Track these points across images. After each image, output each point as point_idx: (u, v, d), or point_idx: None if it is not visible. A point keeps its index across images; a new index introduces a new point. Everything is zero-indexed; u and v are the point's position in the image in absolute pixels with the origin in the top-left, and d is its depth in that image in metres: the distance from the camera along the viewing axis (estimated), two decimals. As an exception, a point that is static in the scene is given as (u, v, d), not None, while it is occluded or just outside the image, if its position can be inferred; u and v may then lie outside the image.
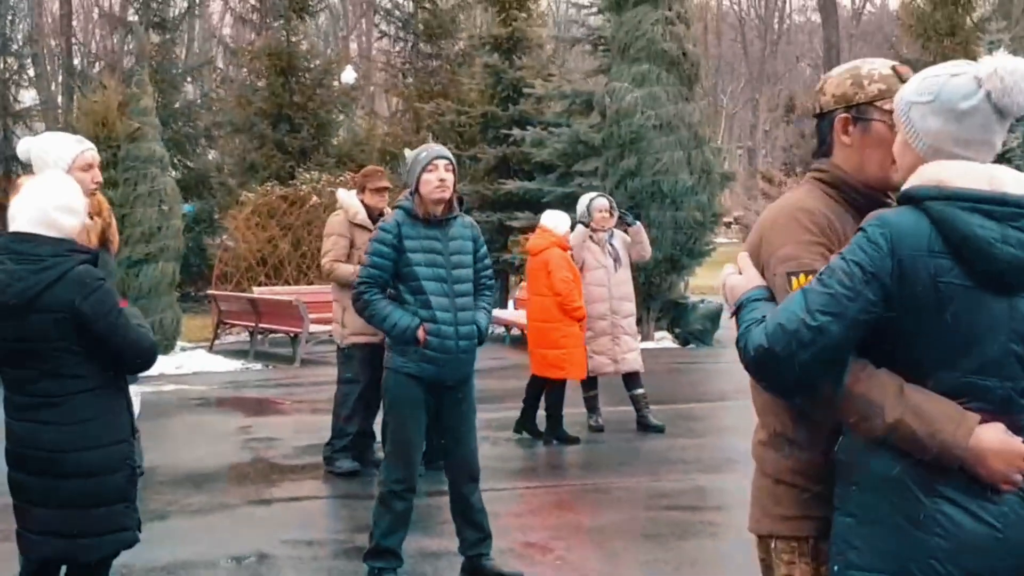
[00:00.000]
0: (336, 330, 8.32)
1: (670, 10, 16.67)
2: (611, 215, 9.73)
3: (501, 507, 6.70)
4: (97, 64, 31.90)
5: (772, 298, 2.51)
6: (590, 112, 19.21)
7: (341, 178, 20.18)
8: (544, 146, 19.03)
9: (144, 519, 4.51)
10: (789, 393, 2.47)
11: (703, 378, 13.75)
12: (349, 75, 29.09)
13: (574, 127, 18.65)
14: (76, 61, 37.38)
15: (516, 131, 19.56)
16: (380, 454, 8.37)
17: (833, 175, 2.66)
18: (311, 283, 19.26)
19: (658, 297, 17.06)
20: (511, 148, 20.68)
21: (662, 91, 16.52)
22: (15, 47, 30.04)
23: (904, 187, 2.41)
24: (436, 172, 5.42)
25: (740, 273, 2.62)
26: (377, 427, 8.52)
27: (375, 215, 8.16)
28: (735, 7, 68.18)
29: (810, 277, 2.43)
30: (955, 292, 2.33)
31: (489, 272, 5.78)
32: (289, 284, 19.22)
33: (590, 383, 9.81)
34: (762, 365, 2.39)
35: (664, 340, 17.19)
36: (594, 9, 19.77)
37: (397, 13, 31.14)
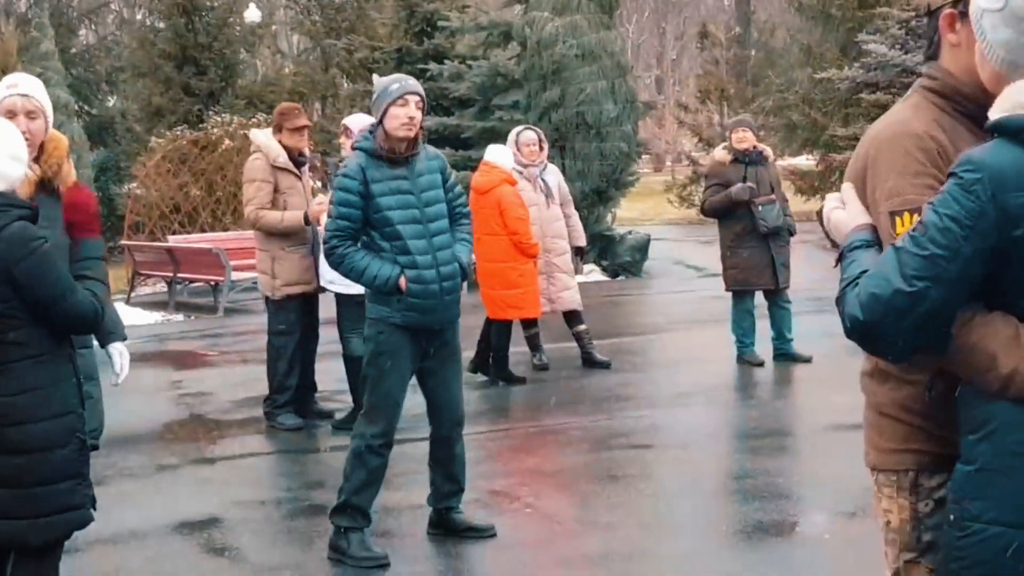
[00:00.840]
0: (265, 281, 7.93)
1: (589, -67, 16.31)
2: (540, 148, 9.44)
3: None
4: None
5: (878, 240, 2.27)
6: (508, 44, 18.82)
7: (253, 120, 19.62)
8: (462, 80, 18.60)
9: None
10: (897, 359, 2.25)
11: (637, 310, 13.63)
12: (253, 13, 28.23)
13: (492, 60, 18.25)
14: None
15: (432, 65, 19.09)
16: (322, 405, 8.10)
17: (943, 83, 2.36)
18: (227, 229, 18.74)
19: (586, 230, 16.82)
20: (428, 83, 20.13)
21: (583, 19, 16.20)
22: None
23: (993, 115, 2.14)
24: (406, 108, 5.06)
25: (844, 207, 2.36)
26: (323, 378, 8.22)
27: (295, 156, 7.78)
28: (639, -67, 67.74)
29: (915, 216, 2.17)
30: None
31: (463, 200, 5.45)
32: (205, 231, 18.66)
33: (530, 322, 9.58)
34: (862, 337, 2.17)
35: (593, 273, 17.01)
36: (508, -64, 19.28)
37: (301, -52, 30.28)
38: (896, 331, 2.12)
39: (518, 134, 9.44)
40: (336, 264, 5.20)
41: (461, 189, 5.49)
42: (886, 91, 19.52)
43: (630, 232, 17.26)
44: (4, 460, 3.71)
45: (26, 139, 4.47)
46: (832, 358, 9.26)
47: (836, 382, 8.43)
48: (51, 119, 4.47)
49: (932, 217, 2.10)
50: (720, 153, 9.43)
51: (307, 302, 7.78)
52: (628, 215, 22.41)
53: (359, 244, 5.17)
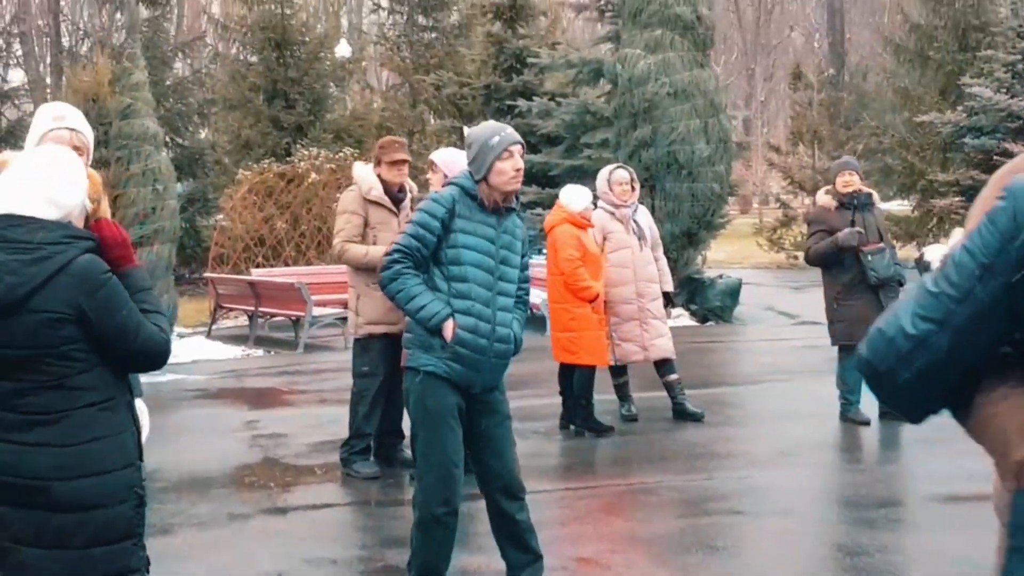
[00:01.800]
0: (350, 318, 7.61)
1: (682, -29, 15.92)
2: (632, 188, 9.01)
3: (541, 513, 5.92)
4: (86, 41, 31.01)
5: None
6: (597, 81, 18.50)
7: (340, 154, 19.49)
8: (551, 117, 18.31)
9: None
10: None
11: (729, 358, 13.08)
12: (344, 49, 28.30)
13: (582, 97, 17.92)
14: (65, 40, 36.47)
15: (521, 102, 18.82)
16: (408, 452, 7.70)
17: None
18: (310, 263, 18.61)
19: (675, 273, 16.36)
20: (515, 120, 19.89)
21: (676, 57, 15.77)
22: (1, 26, 29.17)
23: None
24: (512, 160, 4.75)
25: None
26: (406, 425, 7.83)
27: (393, 191, 7.44)
28: (728, -25, 67.22)
29: None
30: None
31: (528, 285, 5.10)
32: (288, 265, 18.55)
33: (619, 370, 9.13)
34: (868, 380, 1.87)
35: (682, 318, 16.50)
36: (601, -26, 18.99)
37: (391, -15, 30.31)
38: (897, 379, 1.82)
39: (610, 172, 9.03)
40: (388, 281, 4.80)
41: (529, 274, 5.15)
42: (991, 136, 18.85)
43: (720, 276, 16.73)
44: (56, 518, 3.38)
45: None
46: (940, 419, 8.70)
47: (949, 446, 7.89)
48: (91, 157, 4.21)
49: (956, 251, 1.79)
50: (824, 198, 8.91)
51: (392, 343, 7.37)
52: (715, 258, 21.86)
53: (420, 272, 4.81)
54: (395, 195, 7.45)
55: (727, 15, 66.58)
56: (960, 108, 19.65)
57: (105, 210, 4.40)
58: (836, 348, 8.93)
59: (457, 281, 4.74)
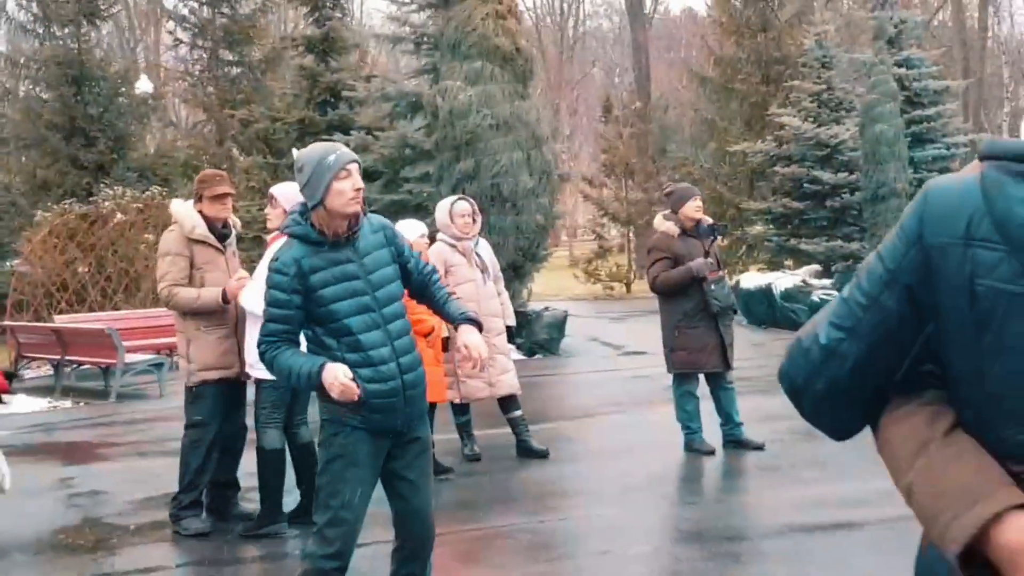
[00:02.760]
0: (182, 365, 7.10)
1: (500, 3, 15.83)
2: (474, 220, 8.77)
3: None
4: None
5: None
6: (415, 115, 18.25)
7: (147, 193, 18.69)
8: (369, 151, 17.95)
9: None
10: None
11: (563, 392, 12.93)
12: (145, 84, 27.30)
13: (400, 130, 17.64)
14: None
15: (337, 136, 18.39)
16: (244, 505, 7.24)
17: None
18: (117, 308, 17.72)
19: (502, 306, 16.21)
20: (331, 155, 19.50)
21: (497, 89, 15.66)
22: None
23: None
24: (351, 179, 4.32)
25: None
26: (244, 476, 7.35)
27: (218, 227, 6.99)
28: (530, 13, 68.21)
29: None
30: (999, 300, 1.55)
31: (428, 266, 4.69)
32: (93, 311, 17.61)
33: (462, 408, 8.86)
34: (789, 396, 1.75)
35: (510, 352, 16.32)
36: (414, 6, 18.75)
37: (193, 19, 29.46)
38: (813, 391, 1.70)
39: (452, 204, 8.76)
40: (269, 368, 4.46)
41: (415, 251, 4.74)
42: (800, 163, 19.38)
43: (546, 308, 16.65)
44: None
45: None
46: (784, 443, 8.71)
47: (795, 473, 7.87)
48: None
49: (872, 254, 1.68)
50: (667, 225, 8.82)
51: (228, 389, 6.92)
52: (545, 290, 21.90)
53: (296, 345, 4.41)
54: (220, 232, 7.01)
55: (528, 50, 67.52)
56: (770, 138, 20.16)
57: None
58: (671, 377, 8.84)
59: (343, 335, 4.32)
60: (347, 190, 4.32)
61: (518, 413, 8.85)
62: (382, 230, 4.53)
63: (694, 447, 8.66)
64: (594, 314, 21.76)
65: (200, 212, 6.99)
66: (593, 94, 69.37)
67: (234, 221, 7.27)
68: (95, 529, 7.38)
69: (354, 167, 4.36)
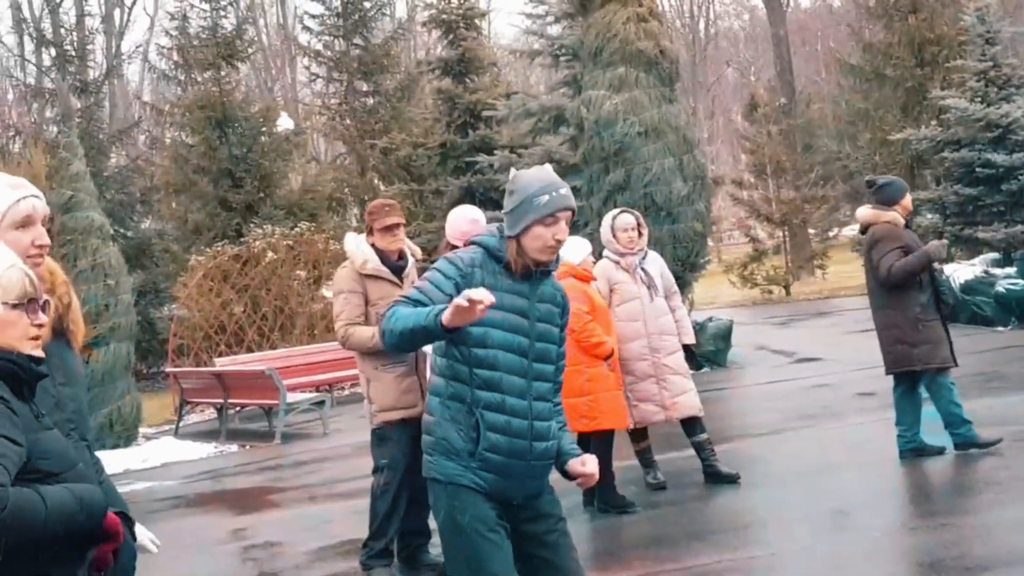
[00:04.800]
0: (365, 407, 6.71)
1: (640, 5, 15.26)
2: (640, 233, 8.20)
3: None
4: (17, 139, 30.03)
5: None
6: (558, 128, 17.79)
7: (295, 229, 18.63)
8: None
9: None
10: None
11: (740, 407, 12.22)
12: (286, 122, 27.50)
13: (544, 145, 17.19)
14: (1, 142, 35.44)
15: (481, 157, 18.06)
16: (434, 553, 6.76)
17: None
18: (274, 347, 17.65)
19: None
20: (475, 176, 19.20)
21: (643, 94, 15.07)
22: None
23: None
24: (555, 227, 3.84)
25: None
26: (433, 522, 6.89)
27: (392, 260, 6.58)
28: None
29: None
30: None
31: (563, 364, 4.12)
32: (252, 351, 17.57)
33: (639, 434, 8.27)
34: None
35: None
36: (550, 18, 18.32)
37: (327, 53, 29.64)
38: None
39: (614, 218, 8.23)
40: (384, 330, 3.86)
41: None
42: (970, 148, 18.29)
43: (711, 319, 15.95)
44: None
45: (41, 256, 3.32)
46: (1013, 450, 7.91)
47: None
48: None
49: None
50: (891, 214, 8.10)
51: (412, 429, 6.47)
52: (708, 298, 21.18)
53: None
54: (394, 264, 6.60)
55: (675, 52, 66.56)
56: (933, 123, 19.11)
57: (76, 318, 3.51)
58: (894, 379, 8.17)
59: (484, 368, 3.81)
60: (547, 238, 3.85)
61: (703, 436, 8.24)
62: (561, 291, 4.10)
63: (924, 451, 8.07)
64: (756, 320, 20.91)
65: (372, 245, 6.61)
66: (729, 95, 68.18)
67: (412, 250, 6.85)
68: (273, 586, 7.05)
69: (565, 216, 3.87)
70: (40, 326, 2.77)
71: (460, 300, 3.54)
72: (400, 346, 3.90)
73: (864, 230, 8.33)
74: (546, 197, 3.85)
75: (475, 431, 3.80)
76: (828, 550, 6.23)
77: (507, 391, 3.82)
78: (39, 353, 2.75)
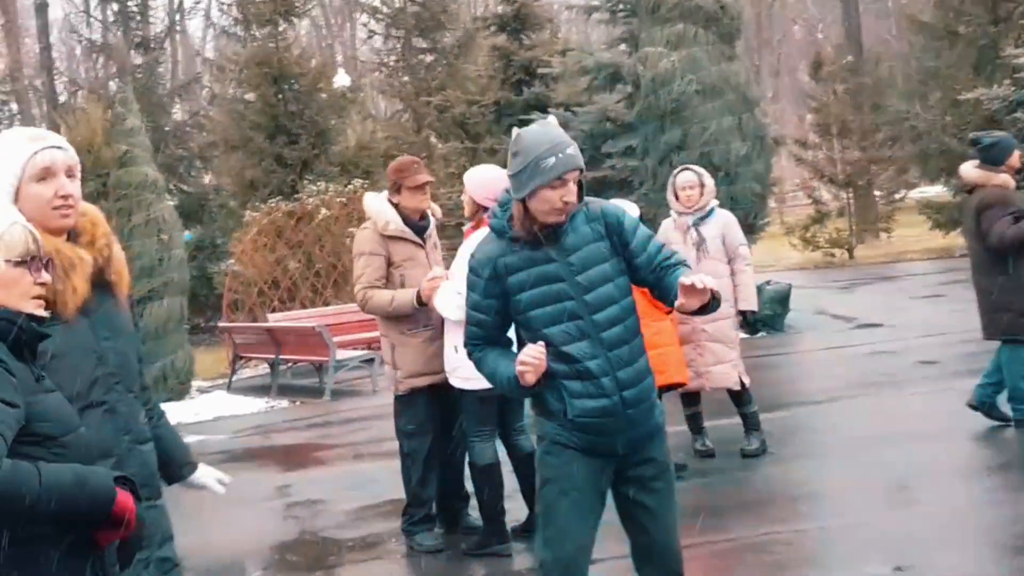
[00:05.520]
0: (388, 372, 6.56)
1: (702, -40, 14.88)
2: (701, 191, 7.92)
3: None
4: (80, 94, 30.20)
5: None
6: (614, 86, 17.48)
7: (349, 186, 18.53)
8: (568, 129, 17.19)
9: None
10: None
11: (795, 373, 11.94)
12: (343, 78, 27.39)
13: (600, 104, 16.89)
14: (62, 97, 35.68)
15: (535, 115, 17.76)
16: (474, 516, 6.63)
17: None
18: (327, 303, 17.64)
19: (720, 281, 15.28)
20: (531, 135, 18.90)
21: (701, 52, 14.73)
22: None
23: None
24: (563, 189, 3.67)
25: None
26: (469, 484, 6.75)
27: (415, 220, 6.39)
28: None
29: None
30: None
31: (665, 252, 3.83)
32: (304, 307, 17.57)
33: (690, 398, 8.06)
34: None
35: (731, 330, 15.38)
36: (610, -28, 17.95)
37: (385, 9, 29.46)
38: None
39: (675, 176, 8.00)
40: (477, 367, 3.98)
41: (651, 234, 3.96)
42: (1046, 108, 17.70)
43: (768, 282, 15.63)
44: None
45: (69, 207, 3.19)
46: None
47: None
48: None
49: None
50: (1001, 177, 7.73)
51: (439, 395, 6.33)
52: (767, 261, 20.77)
53: (501, 344, 3.94)
54: (417, 225, 6.42)
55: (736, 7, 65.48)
56: (1007, 81, 18.48)
57: (120, 269, 3.39)
58: (1003, 344, 7.81)
59: (548, 344, 3.72)
60: (555, 200, 3.68)
61: (746, 409, 7.99)
62: (600, 219, 3.82)
63: (994, 415, 7.87)
64: (817, 284, 20.50)
65: (397, 204, 6.41)
66: (795, 53, 67.07)
67: (433, 210, 6.64)
68: (313, 545, 6.97)
69: (572, 175, 3.68)
70: (43, 284, 2.65)
71: (523, 373, 3.67)
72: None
73: (970, 190, 7.96)
74: (552, 159, 3.67)
75: (561, 401, 3.75)
76: (882, 526, 5.99)
77: (578, 357, 3.71)
78: (41, 312, 2.63)
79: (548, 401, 3.79)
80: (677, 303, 3.63)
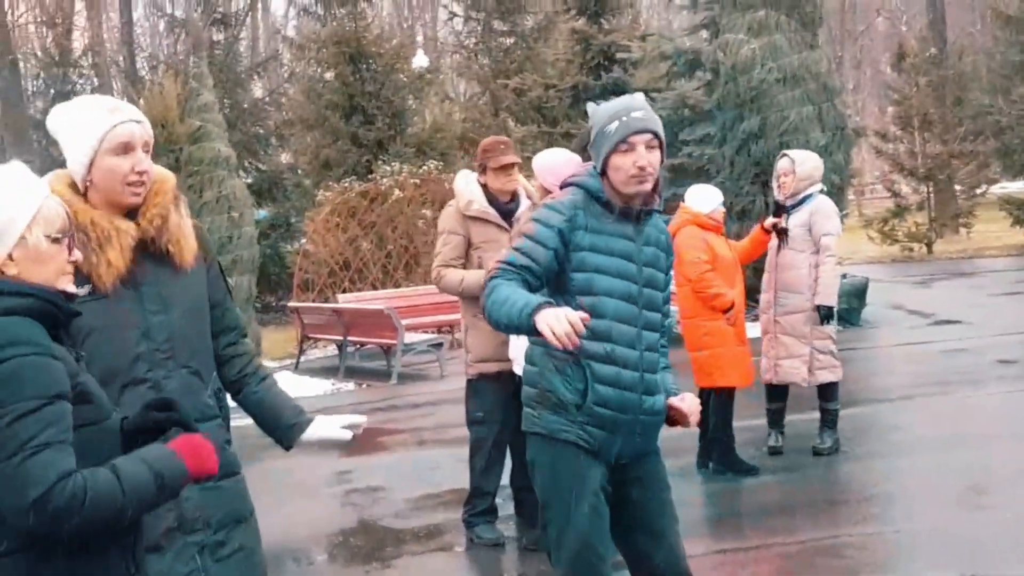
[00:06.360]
0: (463, 355, 6.44)
1: (787, -54, 14.56)
2: (794, 176, 7.66)
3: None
4: (159, 70, 30.50)
5: None
6: (693, 73, 17.23)
7: (424, 168, 18.47)
8: (646, 115, 17.05)
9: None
10: None
11: (870, 369, 11.61)
12: (421, 59, 27.40)
13: (679, 90, 16.65)
14: (142, 72, 36.11)
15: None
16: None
17: None
18: (398, 285, 17.59)
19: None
20: (607, 120, 18.71)
21: (783, 39, 14.41)
22: (74, 57, 28.79)
23: None
24: (633, 154, 3.52)
25: None
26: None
27: (502, 202, 6.23)
28: (810, -38, 65.25)
29: None
30: None
31: (668, 309, 3.81)
32: (375, 288, 17.54)
33: (775, 392, 7.86)
34: None
35: (805, 323, 15.08)
36: (692, -43, 17.70)
37: (467, -8, 29.40)
38: None
39: (776, 161, 7.80)
40: (483, 308, 3.56)
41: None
42: None
43: (844, 275, 15.28)
44: None
45: (142, 183, 3.11)
46: None
47: None
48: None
49: None
50: None
51: (509, 382, 6.18)
52: (845, 254, 20.27)
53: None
54: (504, 207, 6.23)
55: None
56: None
57: (180, 227, 3.27)
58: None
59: (593, 315, 3.48)
60: (626, 166, 3.53)
61: (828, 406, 7.77)
62: (666, 235, 3.79)
63: None
64: (895, 278, 20.07)
65: (484, 185, 6.27)
66: (878, 45, 65.91)
67: (529, 191, 6.46)
68: (371, 534, 6.88)
69: (640, 139, 3.52)
70: (74, 263, 2.55)
71: (553, 320, 3.21)
72: (498, 330, 3.62)
73: None
74: (615, 124, 3.54)
75: (583, 383, 3.56)
76: (958, 531, 5.77)
77: (617, 340, 3.57)
78: (72, 288, 2.53)
79: (559, 390, 3.59)
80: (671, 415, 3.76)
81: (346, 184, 18.75)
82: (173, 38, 34.11)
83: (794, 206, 7.58)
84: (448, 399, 11.79)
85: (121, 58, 37.42)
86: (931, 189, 26.36)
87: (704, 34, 17.20)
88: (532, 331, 3.32)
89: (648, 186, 3.58)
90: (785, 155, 7.83)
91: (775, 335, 7.65)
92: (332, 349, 15.89)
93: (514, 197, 6.26)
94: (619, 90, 18.68)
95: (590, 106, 3.77)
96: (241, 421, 3.55)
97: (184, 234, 3.20)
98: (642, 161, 3.51)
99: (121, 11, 37.74)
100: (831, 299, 7.66)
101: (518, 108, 24.99)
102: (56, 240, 2.50)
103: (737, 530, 6.39)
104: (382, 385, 13.37)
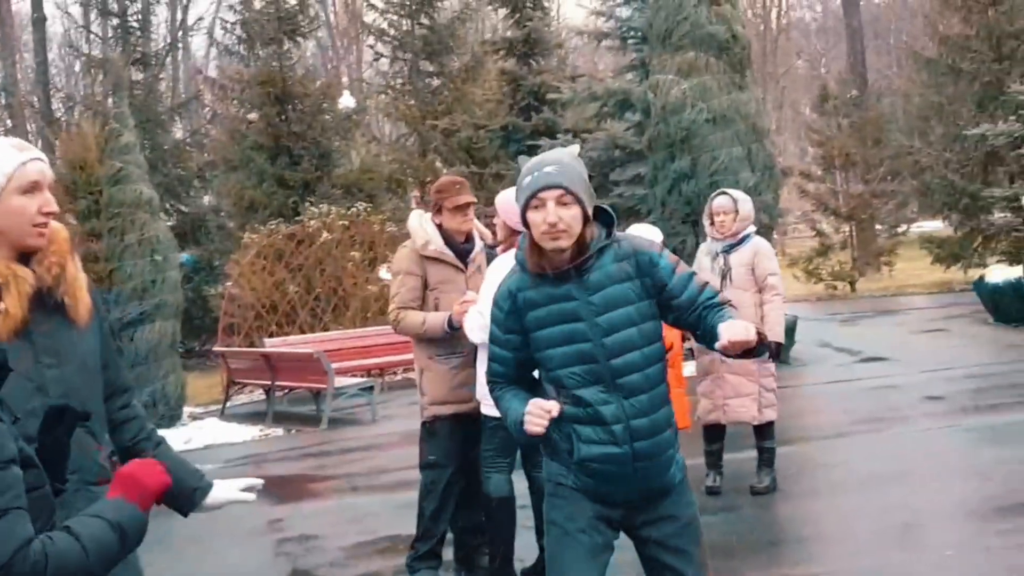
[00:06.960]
0: (419, 398, 6.31)
1: (713, -12, 14.70)
2: (735, 215, 7.65)
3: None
4: (76, 110, 29.98)
5: None
6: (623, 114, 17.31)
7: (352, 210, 18.30)
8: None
9: None
10: None
11: (801, 406, 11.61)
12: (348, 100, 27.26)
13: (609, 131, 16.71)
14: (59, 113, 35.51)
15: (544, 141, 17.58)
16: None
17: None
18: (327, 329, 17.34)
19: (724, 314, 15.05)
20: (537, 161, 18.72)
21: (712, 80, 14.52)
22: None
23: None
24: (543, 210, 3.42)
25: None
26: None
27: (458, 242, 6.14)
28: (731, 6, 66.28)
29: None
30: None
31: (707, 292, 3.54)
32: (303, 332, 17.26)
33: (712, 433, 7.83)
34: None
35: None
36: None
37: (392, 32, 29.32)
38: None
39: (712, 200, 7.78)
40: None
41: (691, 274, 3.58)
42: (1052, 144, 17.56)
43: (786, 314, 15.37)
44: None
45: (46, 226, 2.97)
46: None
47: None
48: None
49: None
50: None
51: (465, 425, 6.05)
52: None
53: (524, 384, 3.70)
54: (460, 247, 6.15)
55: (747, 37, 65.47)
56: (1012, 118, 18.31)
57: (76, 279, 3.12)
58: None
59: (559, 386, 3.53)
60: (537, 223, 3.44)
61: (766, 444, 7.75)
62: (632, 257, 3.53)
63: None
64: (821, 316, 20.26)
65: (439, 225, 6.17)
66: (799, 87, 67.07)
67: (482, 232, 6.40)
68: (305, 584, 6.70)
69: (550, 194, 3.39)
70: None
71: (535, 421, 3.46)
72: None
73: None
74: (528, 179, 3.47)
75: (569, 443, 3.56)
76: (895, 570, 5.75)
77: (591, 400, 3.50)
78: None
79: (555, 441, 3.59)
80: (719, 345, 3.38)
81: (272, 226, 18.52)
82: (90, 78, 33.62)
83: (733, 245, 7.58)
84: (380, 444, 11.63)
85: (35, 99, 36.86)
86: (853, 228, 26.77)
87: (633, 75, 17.29)
88: (532, 437, 3.51)
89: (563, 243, 3.44)
90: (725, 193, 7.82)
91: (720, 375, 7.61)
92: (259, 394, 15.61)
93: (469, 237, 6.18)
94: (550, 131, 18.78)
95: (521, 159, 3.75)
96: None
97: (80, 287, 3.05)
98: (552, 217, 3.40)
99: (35, 51, 37.20)
100: (781, 336, 7.68)
101: (446, 149, 24.95)
102: None
103: (679, 574, 6.29)
104: (312, 430, 13.13)
